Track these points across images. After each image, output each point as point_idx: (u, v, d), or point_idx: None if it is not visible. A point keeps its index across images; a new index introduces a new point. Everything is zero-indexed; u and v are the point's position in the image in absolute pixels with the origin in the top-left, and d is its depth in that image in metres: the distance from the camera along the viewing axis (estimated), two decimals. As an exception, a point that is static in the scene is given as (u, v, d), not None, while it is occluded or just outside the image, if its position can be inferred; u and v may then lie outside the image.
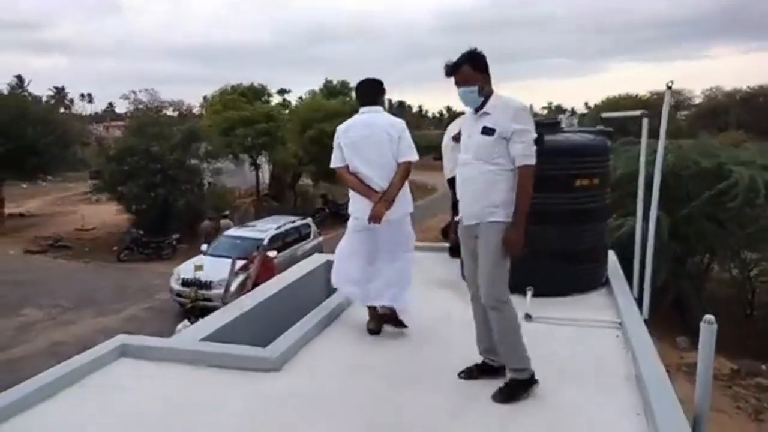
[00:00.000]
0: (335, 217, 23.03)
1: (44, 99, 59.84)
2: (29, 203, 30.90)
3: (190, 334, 3.90)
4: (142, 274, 17.32)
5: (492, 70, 3.15)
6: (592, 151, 4.85)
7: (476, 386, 3.07)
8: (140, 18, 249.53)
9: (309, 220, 18.33)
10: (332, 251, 4.31)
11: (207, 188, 23.84)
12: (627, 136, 13.21)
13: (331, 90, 33.74)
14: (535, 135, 3.06)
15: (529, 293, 4.43)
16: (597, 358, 3.55)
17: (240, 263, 12.12)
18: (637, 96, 43.81)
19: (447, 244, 6.18)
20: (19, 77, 65.62)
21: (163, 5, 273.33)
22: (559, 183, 4.60)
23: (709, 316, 2.71)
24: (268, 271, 10.50)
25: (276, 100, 37.54)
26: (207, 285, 12.65)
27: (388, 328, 4.07)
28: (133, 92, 26.93)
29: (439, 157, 5.44)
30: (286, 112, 34.03)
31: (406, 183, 4.03)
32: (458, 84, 3.12)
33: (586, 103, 78.80)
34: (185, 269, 13.71)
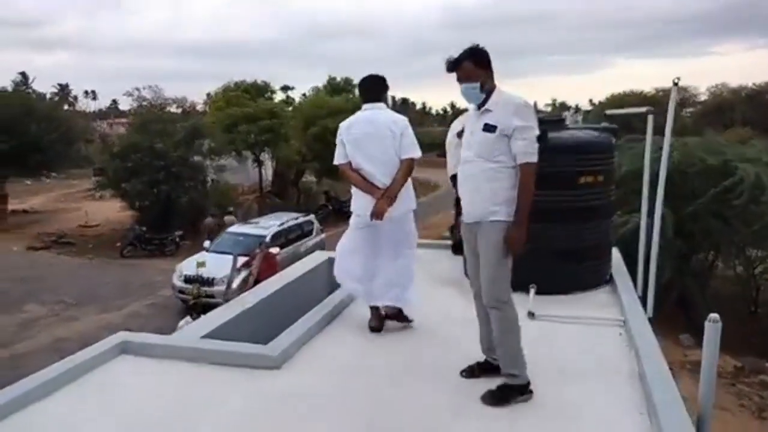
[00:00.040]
0: (338, 214, 23.02)
1: (48, 96, 59.95)
2: (33, 200, 30.97)
3: (191, 332, 3.88)
4: (145, 271, 17.34)
5: (495, 66, 3.10)
6: (596, 148, 4.82)
7: (478, 385, 3.04)
8: (143, 14, 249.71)
9: (312, 217, 18.31)
10: (335, 248, 4.29)
11: (210, 185, 23.86)
12: (631, 133, 13.14)
13: (335, 87, 33.67)
14: (537, 132, 3.01)
15: (532, 291, 4.42)
16: (600, 356, 3.52)
17: (242, 260, 12.15)
18: (642, 93, 43.65)
19: (450, 241, 6.15)
20: (23, 74, 65.59)
21: (165, 1, 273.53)
22: (564, 180, 4.58)
23: (714, 315, 2.68)
24: (270, 267, 10.53)
25: (279, 96, 37.46)
26: (209, 282, 12.65)
27: (390, 324, 4.06)
28: (137, 89, 27.07)
29: (443, 154, 5.41)
30: (290, 109, 33.97)
31: (409, 180, 4.02)
32: (460, 80, 3.08)
33: (590, 100, 78.43)
34: (188, 266, 13.72)
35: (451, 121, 5.64)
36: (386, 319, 4.09)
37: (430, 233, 16.53)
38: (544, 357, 3.47)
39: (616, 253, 5.35)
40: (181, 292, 13.15)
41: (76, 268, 18.09)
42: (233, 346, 3.48)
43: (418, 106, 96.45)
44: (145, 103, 26.59)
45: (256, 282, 6.95)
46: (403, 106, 76.63)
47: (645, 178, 4.94)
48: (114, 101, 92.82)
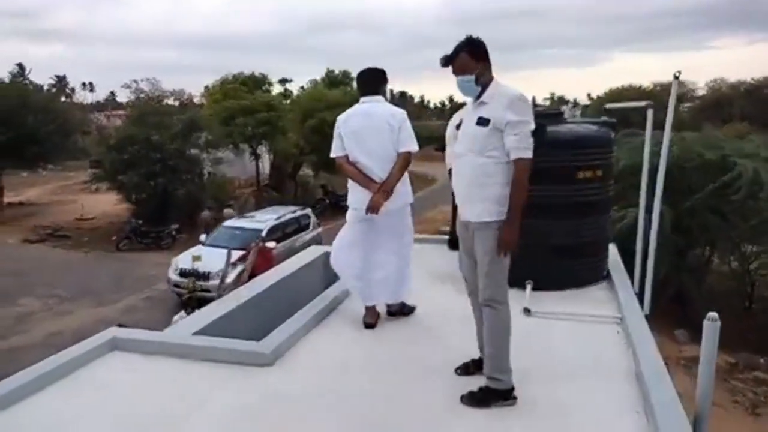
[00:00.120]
0: (335, 207, 22.94)
1: (45, 88, 59.66)
2: (29, 192, 30.85)
3: (183, 328, 3.83)
4: (141, 264, 17.28)
5: (494, 59, 3.01)
6: (595, 143, 4.77)
7: (473, 382, 2.98)
8: (142, 6, 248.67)
9: (309, 210, 18.26)
10: (332, 242, 4.25)
11: (207, 178, 23.78)
12: (629, 128, 13.11)
13: (333, 79, 33.58)
14: (532, 127, 2.90)
15: (529, 287, 4.38)
16: (597, 354, 3.48)
17: (238, 254, 12.11)
18: (640, 87, 43.65)
19: (446, 237, 6.11)
20: (20, 66, 65.29)
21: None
22: (562, 175, 4.54)
23: (712, 314, 2.64)
24: (266, 261, 10.49)
25: (277, 89, 37.38)
26: (205, 276, 12.61)
27: (385, 320, 4.03)
28: (135, 81, 26.74)
29: (440, 148, 5.36)
30: (287, 101, 33.86)
31: (406, 174, 4.00)
32: (456, 73, 3.00)
33: (588, 95, 78.49)
34: (183, 260, 13.67)
35: (449, 115, 5.59)
36: (391, 316, 4.12)
37: (427, 228, 16.48)
38: (540, 354, 3.44)
39: (613, 249, 5.31)
40: (177, 285, 13.12)
41: (71, 261, 18.02)
42: (225, 342, 3.43)
43: (417, 100, 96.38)
44: (142, 96, 26.38)
45: (253, 276, 6.90)
46: (401, 99, 76.52)
47: (644, 173, 4.89)
48: (112, 93, 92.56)
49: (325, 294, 4.40)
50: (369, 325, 3.94)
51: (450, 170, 4.88)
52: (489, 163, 2.91)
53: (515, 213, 2.86)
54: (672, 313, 11.87)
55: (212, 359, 3.30)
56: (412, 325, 4.03)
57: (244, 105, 26.10)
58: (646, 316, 4.04)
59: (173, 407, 2.87)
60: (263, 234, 14.20)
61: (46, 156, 26.32)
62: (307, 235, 16.55)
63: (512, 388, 2.89)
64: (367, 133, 3.85)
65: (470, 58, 2.95)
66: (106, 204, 24.29)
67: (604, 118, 5.34)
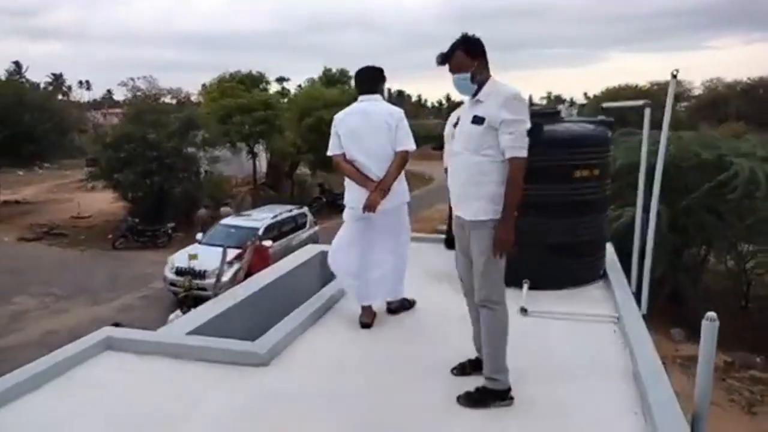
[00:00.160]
0: (332, 206, 22.90)
1: (42, 85, 59.56)
2: (25, 190, 30.75)
3: (177, 327, 3.80)
4: (137, 263, 17.23)
5: (491, 58, 2.98)
6: (592, 142, 4.75)
7: (469, 382, 2.97)
8: (140, 5, 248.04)
9: (305, 209, 18.23)
10: (328, 241, 4.25)
11: (204, 177, 23.70)
12: (626, 127, 13.12)
13: (330, 78, 33.51)
14: (528, 125, 2.87)
15: (525, 286, 4.36)
16: (594, 353, 3.47)
17: (235, 252, 12.07)
18: (637, 86, 43.68)
19: (443, 236, 6.09)
20: (16, 63, 65.11)
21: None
22: (559, 174, 4.52)
23: (711, 314, 2.63)
24: (263, 260, 10.46)
25: (274, 88, 37.28)
26: (201, 274, 12.58)
27: (381, 320, 4.01)
28: (132, 79, 26.62)
29: (438, 147, 5.35)
30: (285, 100, 33.78)
31: (402, 173, 3.97)
32: (452, 71, 2.97)
33: (585, 94, 78.50)
34: (179, 258, 13.64)
35: (447, 114, 5.58)
36: (392, 314, 4.13)
37: (424, 227, 16.47)
38: (537, 354, 3.42)
39: (609, 248, 5.30)
40: (173, 284, 13.09)
41: (67, 259, 17.96)
42: (220, 342, 3.41)
43: (414, 99, 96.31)
44: (139, 94, 26.28)
45: (249, 275, 6.86)
46: (398, 98, 76.48)
47: (642, 172, 4.88)
48: (108, 91, 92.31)
49: (321, 293, 4.38)
50: (365, 325, 3.92)
51: (446, 169, 4.89)
52: (484, 162, 2.89)
53: (510, 212, 2.84)
54: (668, 312, 11.89)
55: (207, 359, 3.27)
56: (409, 324, 4.02)
57: (241, 103, 26.01)
58: (644, 316, 4.03)
59: (167, 407, 2.85)
60: (260, 232, 14.18)
61: (42, 154, 26.25)
62: (303, 234, 16.53)
63: (509, 389, 2.88)
64: (364, 132, 3.84)
65: (466, 56, 2.92)
66: (103, 202, 24.21)
67: (601, 117, 5.33)
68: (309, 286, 4.86)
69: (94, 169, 23.09)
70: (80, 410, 2.83)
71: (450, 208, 4.21)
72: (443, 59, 2.98)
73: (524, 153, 2.84)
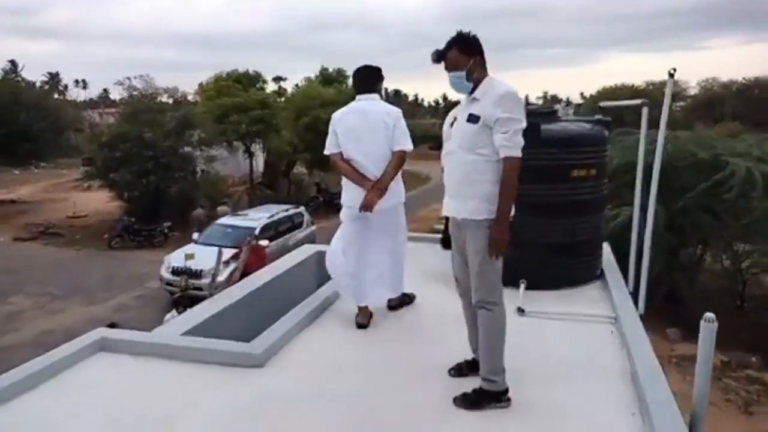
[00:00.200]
0: (329, 206, 22.87)
1: (38, 84, 59.26)
2: (21, 189, 30.63)
3: (172, 328, 3.77)
4: (133, 262, 17.16)
5: (488, 59, 2.94)
6: (589, 141, 4.74)
7: (466, 383, 2.95)
8: (138, 4, 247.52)
9: (302, 209, 18.17)
10: (325, 240, 4.23)
11: (200, 176, 23.62)
12: (623, 126, 13.11)
13: (327, 77, 33.44)
14: (523, 124, 2.82)
15: (522, 286, 4.35)
16: (591, 354, 3.45)
17: (231, 252, 12.03)
18: (633, 86, 43.76)
19: (440, 235, 6.07)
20: (12, 62, 64.85)
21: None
22: (556, 173, 4.51)
23: (709, 314, 2.61)
24: (259, 260, 10.40)
25: (271, 87, 37.15)
26: (197, 274, 12.51)
27: (378, 320, 3.99)
28: (128, 78, 26.57)
29: (434, 146, 5.33)
30: (282, 99, 33.68)
31: (399, 172, 3.95)
32: (447, 69, 2.94)
33: (581, 94, 78.61)
34: (176, 257, 13.59)
35: (443, 113, 5.56)
36: (393, 310, 4.15)
37: (420, 226, 16.46)
38: (534, 355, 3.41)
39: (606, 248, 5.28)
40: (169, 284, 13.02)
41: (63, 259, 17.88)
42: (215, 343, 3.38)
43: (411, 98, 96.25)
44: (135, 93, 26.19)
45: (245, 275, 6.82)
46: (395, 98, 76.41)
47: (639, 171, 4.87)
48: (105, 90, 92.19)
49: (317, 293, 4.35)
50: (361, 326, 3.90)
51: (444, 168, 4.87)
52: (479, 161, 2.85)
53: (504, 212, 2.80)
54: (664, 311, 11.89)
55: (202, 360, 3.25)
56: (406, 324, 4.00)
57: (237, 102, 25.95)
58: (641, 316, 4.02)
59: (161, 409, 2.82)
60: (256, 232, 14.13)
61: (38, 153, 26.16)
62: (300, 234, 16.48)
63: (506, 390, 2.86)
64: (362, 131, 3.83)
65: (461, 54, 2.89)
66: (99, 202, 24.13)
67: (598, 117, 5.32)
68: (305, 286, 4.84)
69: (90, 169, 23.01)
70: (73, 412, 2.80)
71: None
72: (438, 57, 2.94)
73: (518, 153, 2.80)
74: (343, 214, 4.05)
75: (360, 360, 3.44)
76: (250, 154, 27.77)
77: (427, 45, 2.99)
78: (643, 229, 4.60)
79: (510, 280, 3.58)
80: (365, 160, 3.83)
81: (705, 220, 12.50)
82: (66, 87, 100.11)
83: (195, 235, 14.91)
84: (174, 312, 9.16)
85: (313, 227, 17.70)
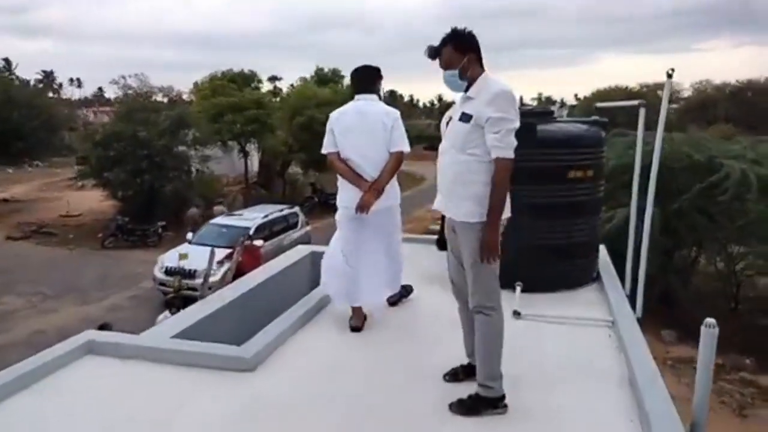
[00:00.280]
0: (324, 206, 22.80)
1: (32, 83, 59.07)
2: (14, 188, 30.43)
3: (162, 331, 3.71)
4: (127, 262, 17.05)
5: (486, 58, 2.87)
6: (586, 142, 4.70)
7: (461, 389, 2.89)
8: (135, 3, 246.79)
9: (297, 209, 18.11)
10: (321, 241, 4.18)
11: (194, 175, 23.51)
12: (617, 128, 13.10)
13: (322, 77, 33.37)
14: (516, 125, 2.72)
15: (518, 289, 4.30)
16: (588, 359, 3.40)
17: (225, 252, 11.96)
18: (627, 88, 43.87)
19: (435, 236, 6.02)
20: (6, 60, 64.59)
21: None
22: (552, 174, 4.47)
23: (710, 320, 2.56)
24: (255, 260, 10.34)
25: (267, 87, 37.08)
26: (191, 274, 12.44)
27: (372, 322, 3.94)
28: (123, 77, 26.41)
29: (430, 147, 5.29)
30: (277, 99, 33.60)
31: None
32: (441, 67, 2.87)
33: (575, 95, 78.83)
34: (169, 257, 13.51)
35: (438, 114, 5.51)
36: (393, 306, 4.17)
37: (415, 227, 16.43)
38: (531, 359, 3.36)
39: (603, 251, 5.25)
40: (163, 284, 12.95)
41: (56, 258, 17.76)
42: (204, 347, 3.31)
43: (406, 99, 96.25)
44: (130, 92, 26.05)
45: (239, 275, 6.75)
46: (390, 98, 76.37)
47: (636, 173, 4.82)
48: (99, 89, 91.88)
49: (311, 295, 4.29)
50: (355, 329, 3.85)
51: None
52: (471, 161, 2.77)
53: (494, 215, 2.72)
54: (658, 313, 11.87)
55: (191, 364, 3.18)
56: (401, 327, 3.94)
57: (232, 102, 25.86)
58: (639, 320, 3.97)
59: (148, 414, 2.76)
60: (251, 232, 14.07)
61: (31, 152, 26.00)
62: (295, 234, 16.42)
63: (503, 396, 2.79)
64: (360, 132, 3.79)
65: (454, 52, 2.81)
66: (92, 201, 23.98)
67: (595, 118, 5.29)
68: (299, 287, 4.79)
69: (84, 168, 22.87)
70: (60, 416, 2.74)
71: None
72: (433, 54, 2.88)
73: (510, 153, 2.71)
74: (338, 215, 4.00)
75: (354, 363, 3.38)
76: (245, 154, 27.68)
77: (419, 46, 2.92)
78: (640, 231, 4.55)
79: (506, 282, 3.54)
80: (362, 160, 3.80)
81: (700, 221, 12.50)
82: (60, 85, 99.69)
83: (189, 235, 14.82)
84: (167, 313, 9.09)
85: (308, 227, 17.64)
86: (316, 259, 4.23)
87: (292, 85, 39.58)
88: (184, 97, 32.20)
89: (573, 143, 4.60)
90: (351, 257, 3.93)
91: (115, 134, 21.41)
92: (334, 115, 3.93)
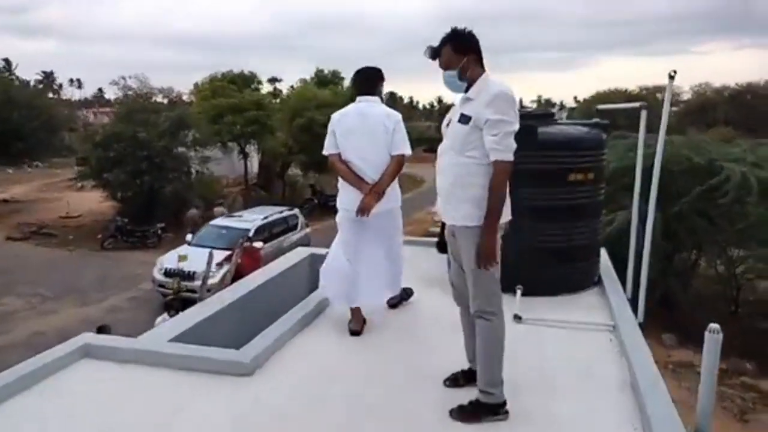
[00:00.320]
0: (324, 208, 22.78)
1: (32, 83, 59.07)
2: (14, 189, 30.37)
3: (159, 334, 3.67)
4: (126, 263, 17.00)
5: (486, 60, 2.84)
6: (586, 145, 4.67)
7: (462, 394, 2.86)
8: (134, 3, 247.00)
9: (296, 210, 18.08)
10: (320, 243, 4.15)
11: (194, 177, 23.48)
12: (617, 130, 13.07)
13: (322, 79, 33.37)
14: (515, 127, 2.68)
15: (519, 292, 4.27)
16: (590, 363, 3.36)
17: (224, 254, 11.92)
18: (626, 91, 43.84)
19: (435, 239, 5.99)
20: (6, 61, 64.67)
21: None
22: (553, 177, 4.44)
23: (714, 325, 2.53)
24: (254, 262, 10.30)
25: (267, 88, 37.06)
26: (190, 276, 12.41)
27: (372, 326, 3.91)
28: (123, 78, 26.35)
29: (429, 149, 5.27)
30: (277, 101, 33.58)
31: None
32: (441, 67, 2.83)
33: (575, 98, 78.76)
34: (169, 259, 13.47)
35: (438, 116, 5.49)
36: (394, 308, 4.16)
37: (415, 229, 16.40)
38: (531, 363, 3.32)
39: (603, 254, 5.22)
40: (162, 285, 12.93)
41: (55, 259, 17.71)
42: (202, 350, 3.27)
43: (406, 101, 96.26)
44: (130, 93, 26.01)
45: (239, 277, 6.71)
46: (390, 100, 76.39)
47: (637, 177, 4.80)
48: (99, 90, 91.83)
49: (310, 298, 4.26)
50: (355, 333, 3.82)
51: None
52: (470, 164, 2.72)
53: (492, 219, 2.67)
54: (659, 316, 11.83)
55: (189, 368, 3.15)
56: (401, 331, 3.91)
57: (232, 103, 25.85)
58: (640, 324, 3.94)
59: (145, 419, 2.73)
60: (250, 234, 14.02)
61: (31, 153, 25.96)
62: (294, 236, 16.38)
63: (504, 402, 2.76)
64: (361, 134, 3.77)
65: (453, 52, 2.78)
66: (92, 202, 23.93)
67: (595, 120, 5.26)
68: (298, 290, 4.76)
69: (84, 168, 22.84)
70: (56, 421, 2.71)
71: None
72: (433, 54, 2.84)
73: (509, 156, 2.67)
74: (339, 217, 3.98)
75: (352, 369, 3.35)
76: (245, 155, 27.65)
77: (419, 48, 2.90)
78: (642, 235, 4.52)
79: (507, 286, 3.51)
80: (363, 163, 3.77)
81: (700, 224, 12.48)
82: (60, 86, 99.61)
83: (188, 237, 14.78)
84: (165, 315, 9.04)
85: (308, 229, 17.60)
86: (315, 261, 4.20)
87: (292, 87, 39.56)
88: (184, 98, 32.14)
89: (574, 146, 4.57)
90: (351, 259, 3.91)
91: (115, 135, 21.37)
92: (335, 116, 3.91)
